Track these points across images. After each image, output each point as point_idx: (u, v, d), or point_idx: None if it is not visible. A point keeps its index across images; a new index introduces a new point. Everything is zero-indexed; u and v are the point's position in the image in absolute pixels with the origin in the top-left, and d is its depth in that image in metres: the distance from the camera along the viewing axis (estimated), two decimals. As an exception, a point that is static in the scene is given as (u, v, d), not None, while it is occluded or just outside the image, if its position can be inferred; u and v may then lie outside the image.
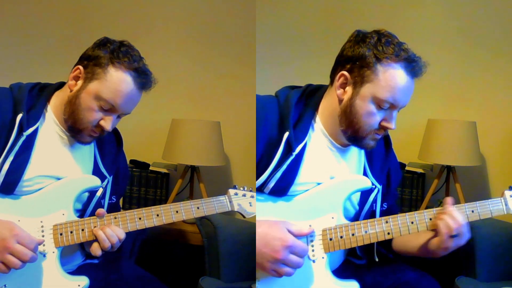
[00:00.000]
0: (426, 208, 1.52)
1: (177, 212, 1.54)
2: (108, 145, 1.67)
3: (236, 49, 2.68)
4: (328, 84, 1.57)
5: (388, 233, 1.48)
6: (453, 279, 1.93)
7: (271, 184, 1.46)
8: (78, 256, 1.63)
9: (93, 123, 1.50)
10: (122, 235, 1.47)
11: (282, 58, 2.78)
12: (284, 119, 1.49)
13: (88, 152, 1.62)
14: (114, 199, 1.69)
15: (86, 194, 1.57)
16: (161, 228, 2.26)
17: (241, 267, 1.98)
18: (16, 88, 1.55)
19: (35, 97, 1.55)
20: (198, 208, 1.56)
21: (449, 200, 1.48)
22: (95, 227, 1.47)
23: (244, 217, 1.61)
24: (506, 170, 2.56)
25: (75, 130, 1.52)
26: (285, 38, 2.78)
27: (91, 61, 1.50)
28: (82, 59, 1.53)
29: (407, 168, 2.58)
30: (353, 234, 1.48)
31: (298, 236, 1.41)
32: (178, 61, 2.73)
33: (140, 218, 1.51)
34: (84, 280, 1.47)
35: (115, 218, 1.50)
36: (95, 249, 1.46)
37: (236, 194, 1.61)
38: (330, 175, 1.53)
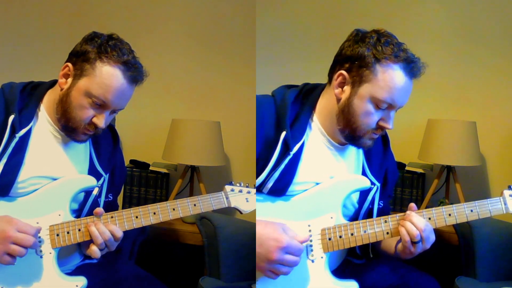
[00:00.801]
0: (426, 208, 1.51)
1: (173, 209, 1.53)
2: (104, 143, 1.65)
3: (236, 49, 2.68)
4: (325, 83, 1.57)
5: (387, 233, 1.48)
6: (453, 279, 1.93)
7: (270, 184, 1.46)
8: (76, 256, 1.62)
9: (86, 120, 1.48)
10: (118, 233, 1.46)
11: (282, 58, 2.77)
12: (281, 119, 1.49)
13: (83, 150, 1.60)
14: (111, 197, 1.67)
15: (82, 194, 1.56)
16: (161, 228, 2.28)
17: (241, 267, 1.98)
18: (7, 88, 1.53)
19: (27, 97, 1.53)
20: (195, 205, 1.55)
21: (411, 206, 1.48)
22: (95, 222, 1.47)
23: (241, 213, 1.61)
24: (506, 170, 2.55)
25: (69, 129, 1.50)
26: (285, 38, 2.78)
27: (79, 57, 1.47)
28: (71, 55, 1.50)
29: (407, 168, 2.58)
30: (352, 234, 1.48)
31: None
32: (178, 61, 2.73)
33: (137, 217, 1.50)
34: (82, 281, 1.47)
35: (112, 217, 1.49)
36: (94, 251, 1.44)
37: (232, 190, 1.60)
38: (329, 174, 1.53)
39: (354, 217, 1.59)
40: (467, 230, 2.01)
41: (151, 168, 2.64)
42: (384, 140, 1.66)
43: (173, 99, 2.73)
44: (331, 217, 1.49)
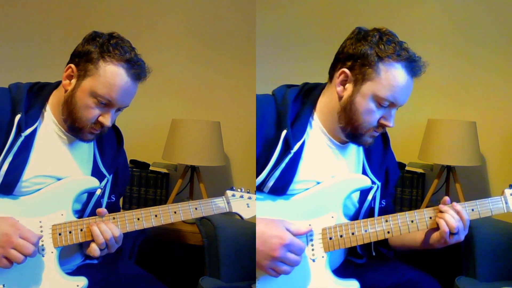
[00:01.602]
0: (426, 208, 1.51)
1: (175, 212, 1.54)
2: (108, 144, 1.66)
3: (236, 49, 2.68)
4: (325, 83, 1.57)
5: (388, 232, 1.48)
6: (453, 279, 1.93)
7: (270, 182, 1.46)
8: (78, 256, 1.62)
9: (92, 120, 1.49)
10: (117, 232, 1.46)
11: (282, 58, 2.78)
12: (281, 118, 1.49)
13: (87, 151, 1.61)
14: (113, 198, 1.68)
15: (85, 194, 1.56)
16: (161, 228, 2.27)
17: (241, 267, 1.98)
18: (14, 88, 1.54)
19: (33, 97, 1.55)
20: (196, 209, 1.56)
21: (445, 199, 1.49)
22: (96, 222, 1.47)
23: (242, 218, 1.61)
24: (506, 170, 2.56)
25: (76, 129, 1.51)
26: (285, 38, 2.78)
27: (82, 58, 1.47)
28: (73, 56, 1.51)
29: (407, 168, 2.58)
30: (353, 233, 1.48)
31: (296, 235, 1.41)
32: (178, 61, 2.73)
33: (138, 219, 1.51)
34: (82, 281, 1.47)
35: (114, 218, 1.50)
36: (94, 249, 1.45)
37: (233, 195, 1.61)
38: (329, 173, 1.53)
39: (354, 217, 1.59)
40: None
41: (151, 168, 2.65)
42: (384, 139, 1.66)
43: (173, 99, 2.73)
44: (332, 217, 1.49)
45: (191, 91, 2.73)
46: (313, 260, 1.46)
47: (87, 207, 1.58)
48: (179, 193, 2.54)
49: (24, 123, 1.47)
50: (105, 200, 1.63)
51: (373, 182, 1.58)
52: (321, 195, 1.51)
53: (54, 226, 1.47)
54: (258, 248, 1.37)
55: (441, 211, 1.46)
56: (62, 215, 1.49)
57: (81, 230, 1.47)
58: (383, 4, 2.69)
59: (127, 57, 1.46)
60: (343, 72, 1.47)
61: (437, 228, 1.46)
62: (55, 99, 1.55)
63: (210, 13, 2.72)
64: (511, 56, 2.55)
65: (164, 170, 2.65)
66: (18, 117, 1.47)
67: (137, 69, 1.48)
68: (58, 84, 1.59)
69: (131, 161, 2.61)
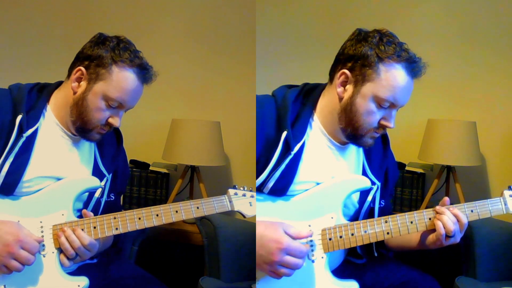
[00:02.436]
0: (426, 208, 1.51)
1: (176, 212, 1.53)
2: (108, 143, 1.66)
3: (236, 49, 2.68)
4: (325, 83, 1.57)
5: (388, 233, 1.48)
6: (453, 279, 1.93)
7: (270, 183, 1.46)
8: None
9: (102, 121, 1.52)
10: (86, 241, 1.43)
11: (282, 58, 2.78)
12: (281, 118, 1.49)
13: (88, 151, 1.62)
14: (113, 197, 1.68)
15: (87, 194, 1.57)
16: (161, 228, 2.27)
17: (241, 267, 1.98)
18: (15, 89, 1.54)
19: (34, 98, 1.55)
20: (197, 208, 1.55)
21: (445, 200, 1.49)
22: (94, 227, 1.47)
23: (244, 217, 1.61)
24: (506, 170, 2.56)
25: (85, 130, 1.53)
26: (285, 38, 2.78)
27: (93, 62, 1.50)
28: (81, 59, 1.53)
29: (407, 168, 2.58)
30: (352, 234, 1.48)
31: (296, 239, 1.40)
32: (178, 61, 2.73)
33: (139, 218, 1.51)
34: (83, 281, 1.47)
35: (115, 218, 1.49)
36: (62, 260, 1.44)
37: (236, 194, 1.61)
38: (329, 174, 1.53)
39: (354, 217, 1.59)
40: (467, 230, 1.99)
41: (151, 168, 2.65)
42: (384, 139, 1.66)
43: (173, 99, 2.73)
44: (332, 217, 1.49)
45: (191, 91, 2.73)
46: (313, 261, 1.46)
47: (87, 206, 1.58)
48: (179, 193, 2.54)
49: (26, 123, 1.48)
50: (104, 199, 1.63)
51: (373, 183, 1.58)
52: (321, 195, 1.51)
53: (55, 226, 1.47)
54: (257, 252, 1.37)
55: (438, 213, 1.46)
56: (63, 215, 1.49)
57: (82, 230, 1.46)
58: (383, 4, 2.69)
59: (138, 62, 1.51)
60: (344, 73, 1.47)
61: (433, 229, 1.46)
62: (57, 99, 1.56)
63: (210, 13, 2.72)
64: (511, 56, 2.55)
65: (164, 170, 2.65)
66: (19, 117, 1.47)
67: (146, 73, 1.54)
68: (58, 84, 1.60)
69: (131, 161, 2.61)
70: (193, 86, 2.73)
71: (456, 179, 2.44)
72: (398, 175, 1.85)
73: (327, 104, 1.53)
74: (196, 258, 2.28)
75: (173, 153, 2.44)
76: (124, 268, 1.67)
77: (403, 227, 1.48)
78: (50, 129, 1.55)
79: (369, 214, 1.60)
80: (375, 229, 1.48)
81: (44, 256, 1.45)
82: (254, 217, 1.48)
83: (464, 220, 1.45)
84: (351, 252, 1.66)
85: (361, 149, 1.61)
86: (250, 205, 1.60)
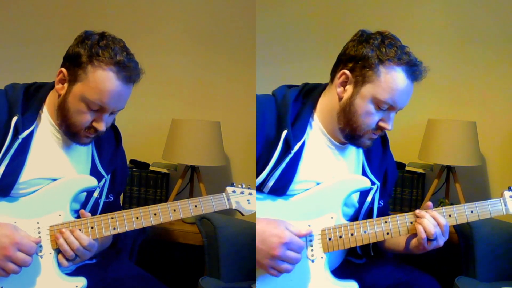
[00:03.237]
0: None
1: (174, 210, 1.52)
2: (106, 144, 1.64)
3: (236, 49, 2.68)
4: (325, 83, 1.57)
5: (387, 233, 1.48)
6: (453, 279, 1.93)
7: (270, 183, 1.47)
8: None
9: (85, 125, 1.46)
10: (85, 242, 1.42)
11: (282, 58, 2.78)
12: (282, 118, 1.49)
13: (85, 152, 1.60)
14: (111, 198, 1.66)
15: (84, 194, 1.55)
16: (161, 228, 2.28)
17: (241, 267, 1.98)
18: (10, 89, 1.52)
19: (30, 98, 1.52)
20: (196, 206, 1.55)
21: (428, 204, 1.50)
22: (92, 227, 1.46)
23: (242, 214, 1.61)
24: (506, 170, 2.56)
25: (71, 134, 1.49)
26: (285, 38, 2.78)
27: (72, 62, 1.44)
28: (64, 59, 1.48)
29: (407, 168, 2.58)
30: (352, 234, 1.48)
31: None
32: (178, 61, 2.73)
33: (137, 218, 1.50)
34: (81, 281, 1.46)
35: (112, 218, 1.49)
36: (61, 261, 1.43)
37: (234, 191, 1.60)
38: (329, 173, 1.53)
39: (354, 217, 1.59)
40: (467, 230, 2.01)
41: (151, 168, 2.65)
42: (383, 140, 1.66)
43: (173, 99, 2.73)
44: (331, 217, 1.49)
45: (191, 91, 2.73)
46: (312, 261, 1.46)
47: (85, 207, 1.56)
48: (179, 193, 2.54)
49: (21, 125, 1.46)
50: (102, 200, 1.62)
51: (372, 183, 1.58)
52: (321, 195, 1.51)
53: (52, 227, 1.46)
54: (258, 247, 1.37)
55: (418, 217, 1.46)
56: (60, 215, 1.48)
57: (79, 230, 1.46)
58: (383, 5, 2.69)
59: (116, 60, 1.41)
60: (344, 73, 1.47)
61: (416, 234, 1.46)
62: (50, 100, 1.53)
63: (210, 13, 2.72)
64: (511, 56, 2.54)
65: (164, 170, 2.65)
66: (14, 119, 1.45)
67: (127, 71, 1.43)
68: (54, 84, 1.56)
69: (131, 161, 2.61)
70: (193, 86, 2.73)
71: (456, 179, 2.44)
72: (397, 176, 1.85)
73: (327, 104, 1.54)
74: (196, 258, 2.28)
75: (173, 153, 2.44)
76: (124, 268, 1.67)
77: (403, 227, 1.48)
78: (46, 130, 1.53)
79: (369, 215, 1.60)
80: (375, 229, 1.48)
81: (41, 257, 1.44)
82: (254, 217, 1.48)
83: (443, 222, 1.45)
84: (350, 252, 1.66)
85: (361, 150, 1.62)
86: (249, 202, 1.60)
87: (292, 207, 1.50)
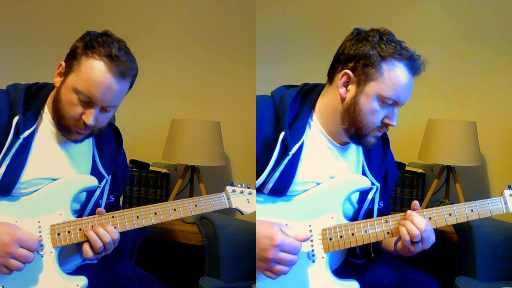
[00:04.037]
0: (426, 208, 1.51)
1: (174, 210, 1.53)
2: (107, 144, 1.64)
3: (236, 49, 2.68)
4: (324, 83, 1.57)
5: (388, 233, 1.48)
6: (453, 279, 1.93)
7: (270, 184, 1.46)
8: (77, 256, 1.61)
9: (76, 117, 1.45)
10: (116, 235, 1.45)
11: (282, 58, 2.78)
12: (279, 119, 1.49)
13: (86, 152, 1.60)
14: (112, 198, 1.66)
15: (84, 194, 1.55)
16: (161, 228, 2.28)
17: (241, 267, 1.98)
18: (12, 89, 1.52)
19: (31, 99, 1.53)
20: (196, 205, 1.55)
21: (414, 203, 1.49)
22: (92, 226, 1.46)
23: (242, 214, 1.61)
24: (506, 170, 2.56)
25: (62, 127, 1.48)
26: (285, 38, 2.78)
27: (70, 55, 1.46)
28: (66, 55, 1.49)
29: (407, 168, 2.58)
30: (352, 234, 1.48)
31: None
32: (178, 61, 2.73)
33: (138, 217, 1.50)
34: (82, 280, 1.47)
35: (113, 217, 1.49)
36: (86, 251, 1.44)
37: (234, 191, 1.60)
38: (329, 174, 1.53)
39: (353, 217, 1.59)
40: (467, 230, 2.01)
41: (151, 168, 2.65)
42: (383, 140, 1.66)
43: (173, 99, 2.73)
44: (332, 217, 1.49)
45: (191, 91, 2.73)
46: (313, 261, 1.46)
47: (86, 207, 1.56)
48: (179, 193, 2.54)
49: (22, 125, 1.46)
50: (103, 201, 1.62)
51: (372, 183, 1.58)
52: (321, 196, 1.51)
53: (53, 226, 1.46)
54: (256, 250, 1.37)
55: (405, 219, 1.46)
56: (60, 215, 1.48)
57: (80, 229, 1.46)
58: (383, 4, 2.69)
59: (109, 52, 1.41)
60: (345, 73, 1.47)
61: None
62: (51, 99, 1.53)
63: (210, 13, 2.72)
64: (511, 56, 2.54)
65: (164, 170, 2.65)
66: (16, 119, 1.46)
67: (120, 65, 1.41)
68: None
69: (131, 161, 2.61)
70: (193, 86, 2.73)
71: (456, 179, 2.44)
72: (398, 176, 1.85)
73: (327, 105, 1.53)
74: (196, 258, 2.28)
75: (173, 153, 2.44)
76: (124, 268, 1.67)
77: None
78: (47, 130, 1.53)
79: (368, 215, 1.60)
80: (376, 229, 1.48)
81: (42, 256, 1.44)
82: (254, 216, 1.48)
83: (423, 226, 1.42)
84: (351, 252, 1.66)
85: (360, 150, 1.61)
86: (248, 202, 1.60)
87: (293, 208, 1.50)
